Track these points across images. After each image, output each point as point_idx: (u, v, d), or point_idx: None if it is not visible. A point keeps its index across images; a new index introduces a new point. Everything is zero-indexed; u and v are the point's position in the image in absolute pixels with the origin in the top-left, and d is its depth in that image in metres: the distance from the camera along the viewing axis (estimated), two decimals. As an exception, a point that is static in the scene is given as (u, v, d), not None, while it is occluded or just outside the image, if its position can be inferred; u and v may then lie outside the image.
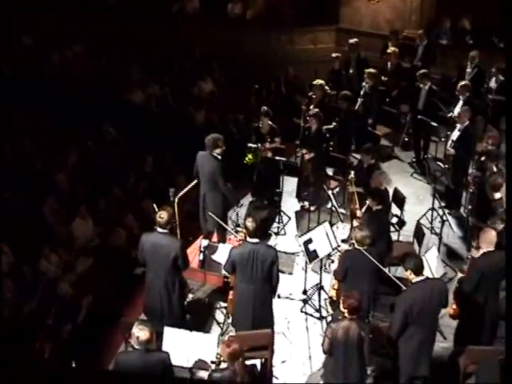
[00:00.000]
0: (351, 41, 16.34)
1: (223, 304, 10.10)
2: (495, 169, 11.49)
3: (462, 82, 14.01)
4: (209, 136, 10.72)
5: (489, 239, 8.81)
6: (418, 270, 8.10)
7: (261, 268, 8.62)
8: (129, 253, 10.83)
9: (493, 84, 14.93)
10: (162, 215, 8.76)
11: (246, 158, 12.09)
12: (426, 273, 8.44)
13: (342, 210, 11.62)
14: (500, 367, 8.13)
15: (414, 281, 8.11)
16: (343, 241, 11.06)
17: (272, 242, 11.64)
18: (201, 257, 10.23)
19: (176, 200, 10.07)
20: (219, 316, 10.05)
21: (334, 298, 9.67)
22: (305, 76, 16.39)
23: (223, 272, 9.46)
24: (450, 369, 8.76)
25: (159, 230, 8.81)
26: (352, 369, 7.89)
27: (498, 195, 10.42)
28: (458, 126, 12.61)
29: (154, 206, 9.78)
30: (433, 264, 9.32)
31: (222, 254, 9.43)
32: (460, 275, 9.13)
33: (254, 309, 8.78)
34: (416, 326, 8.02)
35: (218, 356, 7.97)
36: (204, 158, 10.69)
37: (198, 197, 10.82)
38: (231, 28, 19.01)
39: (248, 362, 7.89)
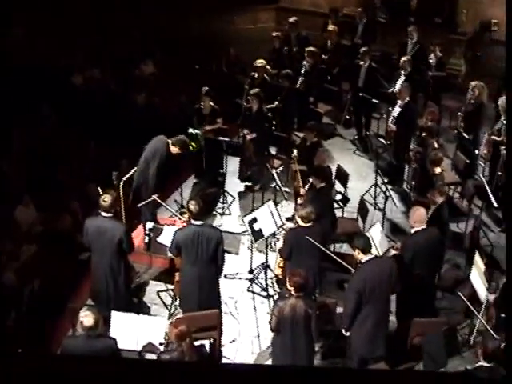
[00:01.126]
0: (291, 19, 16.35)
1: (170, 286, 10.09)
2: (436, 144, 11.66)
3: (405, 57, 14.14)
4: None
5: (420, 217, 8.99)
6: (366, 249, 8.18)
7: (206, 249, 8.64)
8: (74, 238, 10.72)
9: (432, 60, 15.08)
10: (106, 199, 8.72)
11: (190, 147, 12.01)
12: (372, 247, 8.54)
13: (286, 189, 11.68)
14: (444, 336, 8.33)
15: (363, 260, 8.18)
16: (288, 219, 11.11)
17: (217, 222, 11.65)
18: (146, 239, 10.18)
19: (120, 183, 10.01)
20: (166, 298, 10.03)
21: (280, 277, 9.75)
22: (246, 56, 16.35)
23: (169, 254, 9.46)
24: (396, 343, 8.90)
25: (103, 214, 8.76)
26: (300, 346, 7.95)
27: (438, 170, 10.57)
28: (399, 102, 12.72)
29: (99, 189, 9.72)
30: (377, 239, 9.42)
31: (167, 237, 9.41)
32: (393, 252, 9.24)
33: (200, 290, 8.80)
34: (370, 306, 8.10)
35: (166, 338, 7.98)
36: (158, 141, 10.69)
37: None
38: (172, 9, 18.83)
39: (197, 343, 7.93)
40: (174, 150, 10.58)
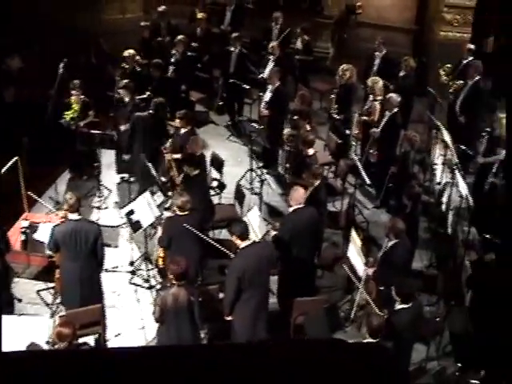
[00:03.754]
0: (160, 9, 16.24)
1: (50, 284, 9.92)
2: (308, 127, 11.87)
3: (273, 43, 14.32)
4: None
5: (297, 196, 9.19)
6: (244, 235, 8.28)
7: (85, 244, 8.55)
8: None
9: (299, 44, 15.32)
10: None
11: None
12: (250, 232, 8.63)
13: (162, 179, 11.64)
14: (326, 313, 8.54)
15: (241, 246, 8.28)
16: (166, 209, 11.10)
17: (94, 216, 11.51)
18: (23, 238, 9.98)
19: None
20: (47, 297, 9.86)
21: (162, 267, 9.74)
22: (116, 47, 16.15)
23: (47, 252, 9.30)
24: (280, 323, 9.06)
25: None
26: (185, 334, 7.99)
27: (310, 151, 10.79)
28: (270, 87, 12.89)
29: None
30: (255, 223, 9.53)
31: (43, 233, 9.26)
32: (273, 233, 9.39)
33: (81, 285, 8.71)
34: (250, 290, 8.21)
35: (52, 337, 7.86)
36: None
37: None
38: (38, 2, 18.40)
39: (81, 339, 7.86)
40: None
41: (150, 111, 12.01)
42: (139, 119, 11.91)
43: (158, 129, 12.29)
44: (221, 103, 15.13)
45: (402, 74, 13.39)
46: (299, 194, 9.22)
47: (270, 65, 13.95)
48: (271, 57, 14.09)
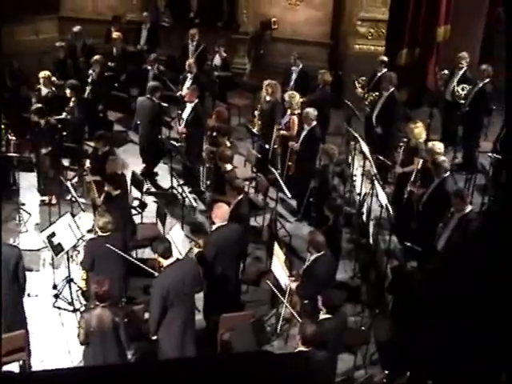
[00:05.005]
0: (75, 29, 16.15)
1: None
2: (228, 143, 11.93)
3: (190, 60, 14.36)
4: None
5: (221, 214, 9.21)
6: (167, 253, 8.28)
7: (6, 269, 8.37)
8: None
9: (217, 61, 15.39)
10: None
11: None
12: (173, 250, 8.62)
13: (82, 200, 11.50)
14: (253, 328, 8.56)
15: (165, 264, 8.26)
16: (89, 231, 10.98)
17: (15, 240, 11.32)
18: None
19: None
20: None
21: (85, 289, 9.64)
22: (30, 68, 15.94)
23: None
24: (207, 339, 9.05)
25: None
26: (111, 355, 7.92)
27: (228, 166, 10.85)
28: (188, 104, 12.89)
29: None
30: (178, 241, 9.50)
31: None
32: (196, 250, 9.39)
33: (4, 312, 8.52)
34: (175, 308, 8.20)
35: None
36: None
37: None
38: None
39: (5, 367, 7.70)
40: None
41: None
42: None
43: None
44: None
45: (318, 87, 13.57)
46: (223, 211, 9.24)
47: (188, 82, 13.97)
48: (189, 74, 14.11)
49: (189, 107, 12.85)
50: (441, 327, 2.32)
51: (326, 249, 9.01)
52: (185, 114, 12.94)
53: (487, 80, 13.47)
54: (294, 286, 9.09)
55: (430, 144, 11.10)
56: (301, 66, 14.41)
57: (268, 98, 13.06)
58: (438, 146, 10.87)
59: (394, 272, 10.05)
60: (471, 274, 2.21)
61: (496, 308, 2.21)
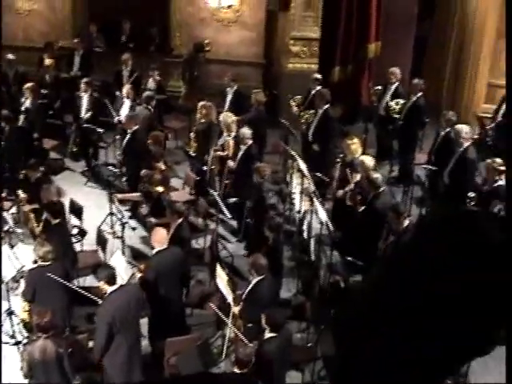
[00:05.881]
0: (7, 57, 15.98)
1: None
2: (163, 166, 11.91)
3: (126, 86, 14.33)
4: None
5: (159, 238, 9.22)
6: (110, 279, 8.21)
7: None
8: None
9: (151, 85, 15.37)
10: None
11: None
12: (116, 277, 8.56)
13: (20, 230, 11.35)
14: (199, 351, 8.53)
15: (108, 291, 8.19)
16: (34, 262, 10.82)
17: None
18: None
19: None
20: None
21: (27, 320, 9.49)
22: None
23: None
24: (153, 364, 8.99)
25: None
26: (55, 387, 7.82)
27: (160, 189, 10.91)
28: (129, 130, 12.81)
29: None
30: (120, 267, 9.43)
31: None
32: (139, 275, 9.35)
33: None
34: (121, 335, 8.11)
35: None
36: None
37: None
38: None
39: None
40: None
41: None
42: None
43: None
44: (75, 149, 14.92)
45: (252, 107, 13.67)
46: (161, 235, 9.25)
47: (126, 108, 13.93)
48: (126, 100, 14.08)
49: (128, 134, 12.79)
50: (380, 338, 2.34)
51: (268, 271, 9.05)
52: (123, 140, 12.89)
53: (420, 94, 13.75)
54: (236, 310, 9.09)
55: (360, 159, 11.29)
56: (235, 87, 14.50)
57: (203, 120, 13.11)
58: (368, 161, 11.06)
59: (333, 286, 10.15)
60: (404, 285, 2.24)
61: (435, 318, 2.24)
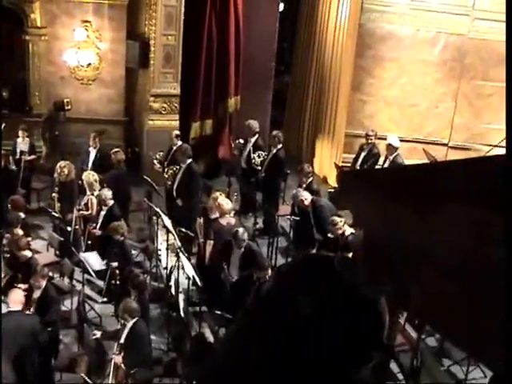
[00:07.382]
0: None
1: None
2: (21, 232, 11.62)
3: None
4: None
5: (14, 299, 9.02)
6: None
7: None
8: None
9: (24, 147, 14.92)
10: None
11: None
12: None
13: None
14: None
15: None
16: None
17: None
18: None
19: None
20: None
21: None
22: None
23: None
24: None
25: None
26: None
27: (28, 253, 10.72)
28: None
29: None
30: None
31: None
32: None
33: None
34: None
35: None
36: None
37: None
38: None
39: None
40: None
41: None
42: None
43: None
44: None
45: (113, 167, 13.68)
46: (18, 296, 9.14)
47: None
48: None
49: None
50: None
51: (139, 314, 9.18)
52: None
53: (279, 146, 14.12)
54: (118, 359, 8.98)
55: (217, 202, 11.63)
56: (98, 146, 14.46)
57: (64, 179, 13.02)
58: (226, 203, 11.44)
59: (202, 341, 10.20)
60: (263, 332, 2.32)
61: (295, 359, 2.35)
